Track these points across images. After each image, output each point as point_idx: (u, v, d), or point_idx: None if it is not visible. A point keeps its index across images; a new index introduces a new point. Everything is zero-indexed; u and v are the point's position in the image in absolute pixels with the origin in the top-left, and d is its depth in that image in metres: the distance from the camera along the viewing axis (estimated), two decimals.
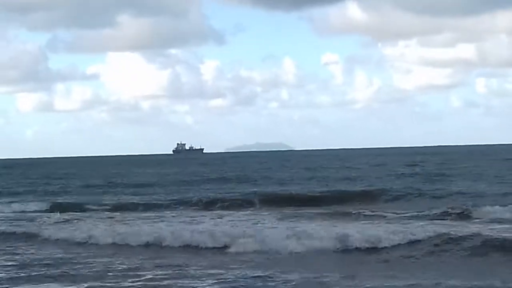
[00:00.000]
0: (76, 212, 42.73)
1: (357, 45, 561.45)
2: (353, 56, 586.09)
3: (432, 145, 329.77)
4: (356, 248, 24.93)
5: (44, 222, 35.88)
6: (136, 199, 51.56)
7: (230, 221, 34.58)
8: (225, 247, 26.13)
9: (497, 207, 36.77)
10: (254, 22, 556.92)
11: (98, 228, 31.85)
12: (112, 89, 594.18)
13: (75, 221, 35.94)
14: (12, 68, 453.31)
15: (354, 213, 37.55)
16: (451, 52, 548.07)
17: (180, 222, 34.27)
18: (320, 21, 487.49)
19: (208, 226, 30.93)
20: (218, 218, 36.46)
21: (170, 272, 21.67)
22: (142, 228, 31.05)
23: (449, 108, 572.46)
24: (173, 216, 38.64)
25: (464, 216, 34.88)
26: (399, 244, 24.88)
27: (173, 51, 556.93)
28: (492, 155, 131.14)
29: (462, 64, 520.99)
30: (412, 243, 24.89)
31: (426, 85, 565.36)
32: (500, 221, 32.53)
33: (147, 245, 28.00)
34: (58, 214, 39.64)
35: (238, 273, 21.06)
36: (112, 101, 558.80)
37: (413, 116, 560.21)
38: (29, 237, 31.30)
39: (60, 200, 54.24)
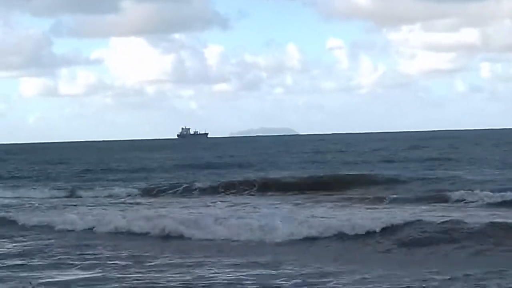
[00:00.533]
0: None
1: (361, 30, 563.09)
2: (357, 41, 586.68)
3: (436, 129, 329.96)
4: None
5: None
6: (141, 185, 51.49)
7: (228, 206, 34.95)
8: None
9: (486, 192, 35.77)
10: (258, 7, 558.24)
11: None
12: (116, 74, 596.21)
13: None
14: (15, 53, 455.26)
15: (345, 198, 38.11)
16: (455, 37, 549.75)
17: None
18: (324, 6, 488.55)
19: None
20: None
21: None
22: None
23: (453, 92, 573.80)
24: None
25: (443, 200, 35.12)
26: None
27: (177, 36, 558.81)
28: (497, 139, 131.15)
29: (466, 48, 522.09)
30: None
31: (430, 70, 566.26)
32: (481, 206, 32.78)
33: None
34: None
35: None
36: (116, 86, 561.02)
37: (417, 100, 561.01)
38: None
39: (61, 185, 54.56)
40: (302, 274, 18.56)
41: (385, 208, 32.98)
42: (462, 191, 36.31)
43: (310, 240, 24.18)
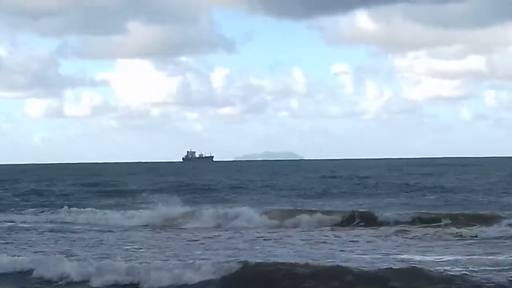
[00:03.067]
0: None
1: (366, 55, 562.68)
2: (363, 66, 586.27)
3: (441, 156, 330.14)
4: None
5: None
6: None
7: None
8: None
9: None
10: (264, 31, 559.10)
11: None
12: (122, 96, 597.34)
13: None
14: (22, 73, 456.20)
15: None
16: (460, 64, 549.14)
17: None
18: (330, 30, 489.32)
19: None
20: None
21: None
22: None
23: (458, 119, 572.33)
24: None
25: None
26: None
27: (183, 58, 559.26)
28: (501, 167, 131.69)
29: (472, 76, 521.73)
30: None
31: (435, 96, 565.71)
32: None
33: None
34: None
35: None
36: (121, 107, 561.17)
37: (422, 127, 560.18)
38: None
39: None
40: None
41: None
42: None
43: None
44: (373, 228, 35.07)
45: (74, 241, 31.90)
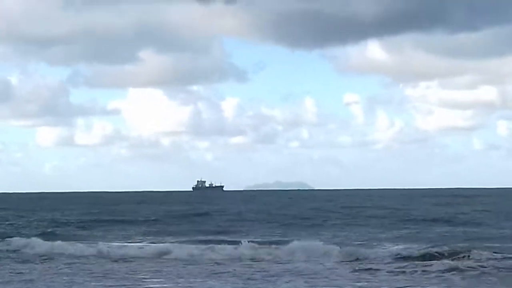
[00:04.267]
0: None
1: (378, 85, 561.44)
2: (374, 96, 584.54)
3: (453, 187, 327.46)
4: None
5: None
6: None
7: None
8: None
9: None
10: (275, 60, 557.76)
11: None
12: (133, 125, 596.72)
13: None
14: (32, 102, 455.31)
15: None
16: (472, 94, 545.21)
17: None
18: (342, 60, 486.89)
19: None
20: None
21: None
22: None
23: (470, 150, 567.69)
24: None
25: None
26: None
27: (194, 87, 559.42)
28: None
29: (484, 106, 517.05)
30: None
31: (447, 127, 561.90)
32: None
33: None
34: None
35: None
36: (132, 136, 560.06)
37: (434, 157, 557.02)
38: None
39: None
40: None
41: None
42: None
43: None
44: None
45: None
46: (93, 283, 29.08)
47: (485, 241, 43.14)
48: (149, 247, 44.70)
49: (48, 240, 48.62)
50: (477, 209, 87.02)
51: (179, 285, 28.59)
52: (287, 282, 28.74)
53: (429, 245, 40.56)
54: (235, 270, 33.19)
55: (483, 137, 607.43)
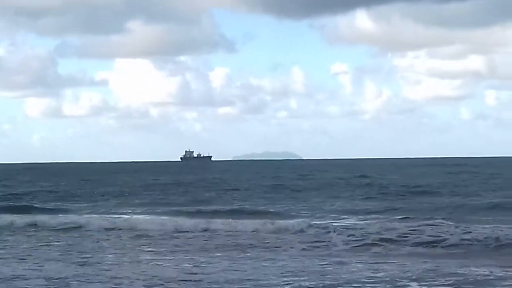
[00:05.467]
0: None
1: (366, 55, 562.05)
2: (363, 66, 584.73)
3: (440, 156, 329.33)
4: None
5: None
6: None
7: None
8: None
9: None
10: (264, 30, 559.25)
11: None
12: (121, 96, 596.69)
13: None
14: (20, 73, 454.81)
15: None
16: (460, 64, 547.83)
17: None
18: (330, 30, 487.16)
19: None
20: None
21: None
22: None
23: (458, 119, 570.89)
24: None
25: None
26: None
27: (182, 58, 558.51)
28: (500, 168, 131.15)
29: (472, 76, 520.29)
30: None
31: (435, 96, 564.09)
32: None
33: None
34: None
35: None
36: (120, 107, 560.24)
37: (421, 127, 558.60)
38: None
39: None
40: None
41: None
42: None
43: None
44: None
45: None
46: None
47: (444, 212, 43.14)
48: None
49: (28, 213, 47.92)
50: (459, 179, 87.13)
51: None
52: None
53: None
54: None
55: (471, 107, 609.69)
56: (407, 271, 22.98)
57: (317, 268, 24.00)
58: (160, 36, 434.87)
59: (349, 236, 31.82)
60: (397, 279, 21.59)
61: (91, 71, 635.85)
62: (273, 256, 26.87)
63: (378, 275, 22.37)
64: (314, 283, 21.10)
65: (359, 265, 24.54)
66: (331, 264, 24.76)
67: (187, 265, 24.94)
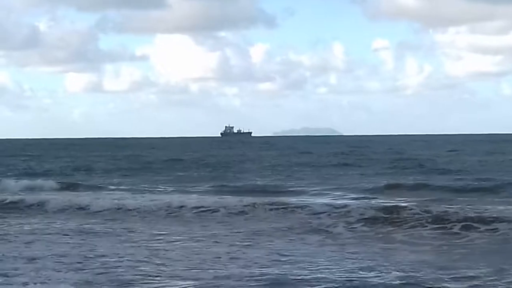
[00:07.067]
0: None
1: (407, 31, 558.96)
2: (404, 42, 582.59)
3: (481, 132, 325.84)
4: None
5: None
6: None
7: None
8: None
9: None
10: (304, 5, 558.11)
11: None
12: (161, 71, 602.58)
13: None
14: (61, 48, 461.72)
15: None
16: (502, 40, 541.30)
17: None
18: (371, 5, 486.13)
19: None
20: None
21: None
22: None
23: (499, 95, 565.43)
24: None
25: None
26: None
27: (222, 33, 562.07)
28: None
29: None
30: None
31: (476, 73, 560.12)
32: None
33: None
34: None
35: None
36: (160, 83, 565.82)
37: (463, 103, 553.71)
38: None
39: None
40: None
41: None
42: None
43: None
44: None
45: None
46: None
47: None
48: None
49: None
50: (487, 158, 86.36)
51: None
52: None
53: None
54: None
55: None
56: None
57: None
58: (200, 12, 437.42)
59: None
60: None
61: (132, 47, 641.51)
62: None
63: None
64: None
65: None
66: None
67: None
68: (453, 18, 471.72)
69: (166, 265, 19.91)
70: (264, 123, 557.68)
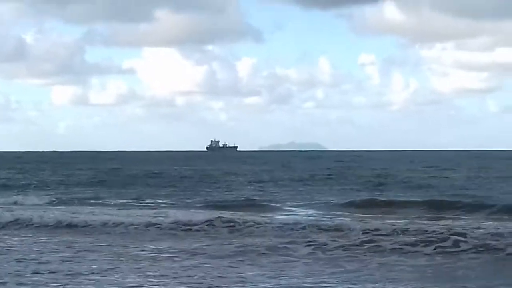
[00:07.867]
0: None
1: (394, 46, 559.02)
2: (390, 57, 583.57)
3: (467, 149, 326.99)
4: None
5: None
6: None
7: None
8: None
9: None
10: (292, 20, 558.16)
11: None
12: (148, 84, 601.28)
13: None
14: (47, 61, 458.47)
15: None
16: (488, 56, 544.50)
17: None
18: (358, 20, 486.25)
19: None
20: None
21: None
22: None
23: (485, 112, 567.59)
24: None
25: None
26: None
27: (209, 47, 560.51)
28: None
29: (500, 68, 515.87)
30: None
31: (462, 89, 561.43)
32: None
33: None
34: None
35: None
36: (147, 96, 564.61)
37: (448, 119, 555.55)
38: None
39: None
40: None
41: None
42: None
43: None
44: None
45: None
46: None
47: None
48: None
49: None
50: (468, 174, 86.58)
51: None
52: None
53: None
54: None
55: (499, 100, 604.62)
56: None
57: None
58: (188, 25, 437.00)
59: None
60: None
61: (118, 60, 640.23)
62: None
63: None
64: None
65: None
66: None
67: None
68: (440, 34, 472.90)
69: None
70: (251, 137, 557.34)
